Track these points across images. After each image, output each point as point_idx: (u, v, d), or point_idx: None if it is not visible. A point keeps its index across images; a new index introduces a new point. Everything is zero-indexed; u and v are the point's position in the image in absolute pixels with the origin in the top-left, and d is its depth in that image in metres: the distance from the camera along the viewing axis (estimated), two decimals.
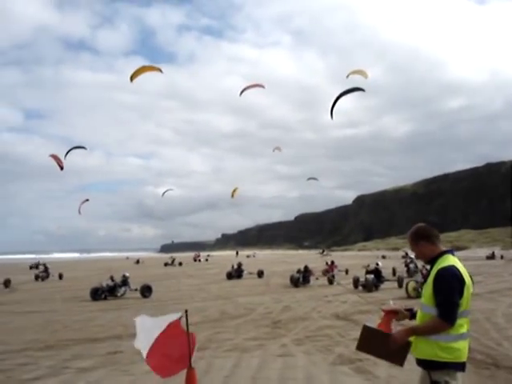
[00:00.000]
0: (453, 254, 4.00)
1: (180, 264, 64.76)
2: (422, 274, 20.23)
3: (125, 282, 23.68)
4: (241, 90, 26.42)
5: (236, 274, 34.87)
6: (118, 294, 23.00)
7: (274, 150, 40.64)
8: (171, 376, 4.80)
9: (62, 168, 29.62)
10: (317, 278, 29.03)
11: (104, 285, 23.03)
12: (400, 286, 23.06)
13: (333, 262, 34.15)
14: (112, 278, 23.69)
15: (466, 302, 3.80)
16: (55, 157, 30.06)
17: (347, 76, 23.96)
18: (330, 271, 30.97)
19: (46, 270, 40.83)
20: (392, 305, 4.27)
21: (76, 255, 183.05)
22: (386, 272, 27.38)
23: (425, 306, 3.89)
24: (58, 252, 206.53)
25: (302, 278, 26.70)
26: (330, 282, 27.10)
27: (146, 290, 22.92)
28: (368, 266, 25.14)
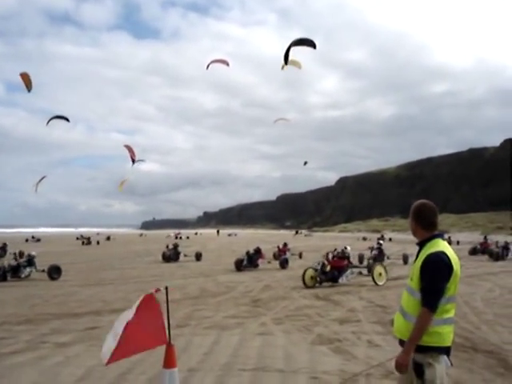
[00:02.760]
0: (443, 238, 3.96)
1: (98, 243, 62.55)
2: (328, 260, 18.28)
3: (30, 261, 21.21)
4: (207, 63, 25.70)
5: (172, 255, 31.38)
6: (22, 275, 20.66)
7: (275, 122, 36.79)
8: (146, 350, 4.78)
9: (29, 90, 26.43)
10: (269, 262, 27.05)
11: (6, 264, 20.87)
12: (369, 271, 20.41)
13: (285, 245, 32.61)
14: (16, 257, 21.86)
15: (453, 287, 3.77)
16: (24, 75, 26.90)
17: (282, 68, 23.53)
18: (281, 254, 29.15)
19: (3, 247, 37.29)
20: None
21: (56, 230, 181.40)
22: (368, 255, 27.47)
23: (412, 290, 3.84)
24: (38, 226, 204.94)
25: (246, 261, 25.01)
26: (282, 266, 25.31)
27: (53, 271, 20.60)
28: (335, 250, 22.21)
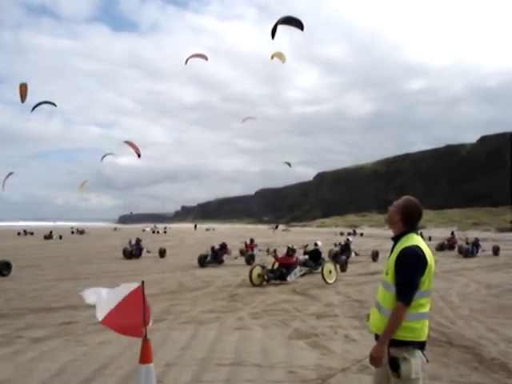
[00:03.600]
0: (417, 233, 3.99)
1: (60, 237, 59.60)
2: (276, 258, 17.88)
3: None
4: (186, 58, 25.59)
5: (135, 252, 29.35)
6: None
7: (243, 121, 36.91)
8: (124, 335, 4.76)
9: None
10: (236, 258, 26.31)
11: None
12: (342, 269, 20.34)
13: (252, 240, 30.79)
14: None
15: (428, 281, 3.80)
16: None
17: (272, 57, 23.63)
18: (248, 250, 28.15)
19: None
20: None
21: (33, 224, 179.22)
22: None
23: (387, 284, 3.86)
24: (9, 220, 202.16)
25: (211, 257, 24.21)
26: (248, 262, 23.89)
27: (3, 268, 19.53)
28: (306, 246, 22.04)
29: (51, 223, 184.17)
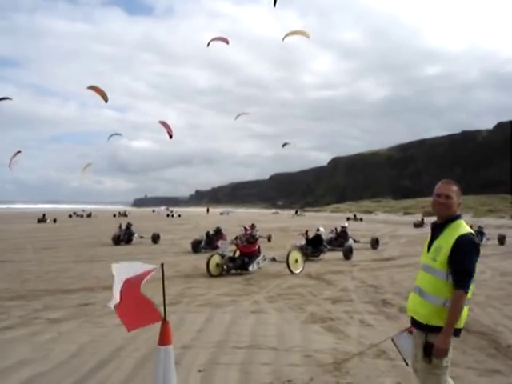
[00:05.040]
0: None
1: (54, 221, 56.57)
2: (237, 245, 16.76)
3: None
4: (208, 41, 25.54)
5: (123, 237, 27.39)
6: None
7: (236, 118, 34.51)
8: (137, 329, 4.76)
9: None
10: (232, 244, 24.61)
11: None
12: (346, 257, 19.65)
13: (253, 226, 28.18)
14: None
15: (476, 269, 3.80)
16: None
17: (283, 38, 23.12)
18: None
19: None
20: None
21: (48, 206, 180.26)
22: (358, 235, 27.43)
23: (434, 270, 3.82)
24: (27, 203, 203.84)
25: (205, 243, 23.30)
26: None
27: None
28: (306, 232, 21.08)
29: (65, 206, 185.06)
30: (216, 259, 15.46)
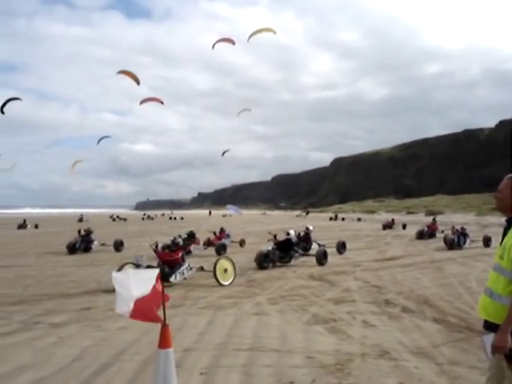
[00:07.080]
0: None
1: (36, 227, 52.27)
2: (157, 253, 14.75)
3: None
4: (213, 43, 25.76)
5: (80, 245, 24.54)
6: None
7: (238, 115, 35.21)
8: (139, 320, 4.74)
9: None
10: (205, 248, 23.44)
11: None
12: (319, 263, 17.86)
13: (222, 230, 27.20)
14: None
15: None
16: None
17: (249, 38, 23.12)
18: (216, 242, 24.33)
19: None
20: None
21: (50, 211, 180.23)
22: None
23: (501, 269, 3.73)
24: (29, 207, 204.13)
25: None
26: (218, 252, 21.38)
27: None
28: (275, 236, 19.17)
29: (70, 210, 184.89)
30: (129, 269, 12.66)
